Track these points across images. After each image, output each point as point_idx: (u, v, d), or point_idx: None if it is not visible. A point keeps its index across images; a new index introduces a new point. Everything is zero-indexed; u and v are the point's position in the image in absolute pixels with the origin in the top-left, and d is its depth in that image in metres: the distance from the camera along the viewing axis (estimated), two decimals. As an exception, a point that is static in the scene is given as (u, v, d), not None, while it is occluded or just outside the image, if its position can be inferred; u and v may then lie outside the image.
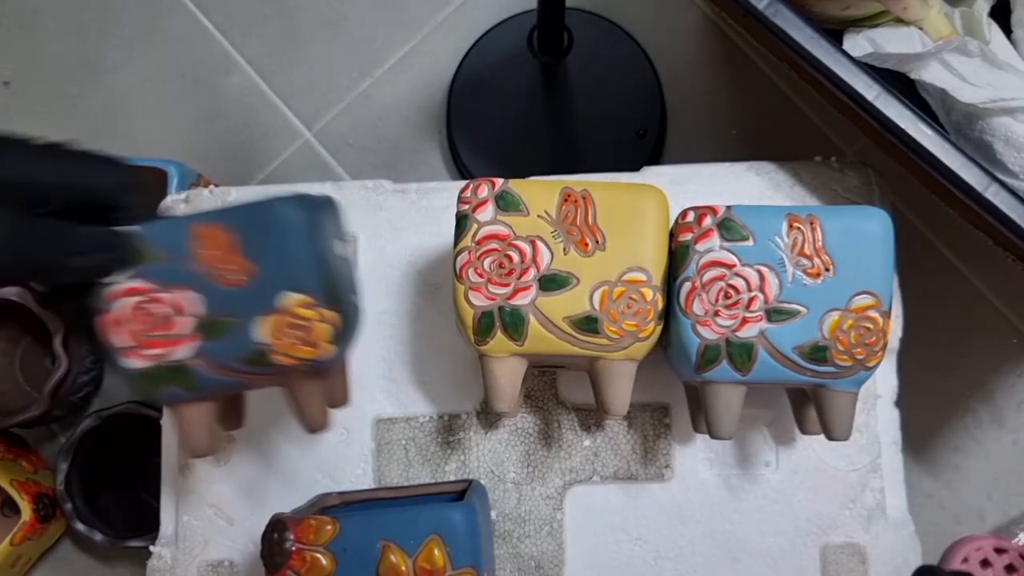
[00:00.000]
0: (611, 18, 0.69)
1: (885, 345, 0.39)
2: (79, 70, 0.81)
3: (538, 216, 0.40)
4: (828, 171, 0.50)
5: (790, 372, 0.39)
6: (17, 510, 0.63)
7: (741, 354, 0.39)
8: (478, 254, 0.39)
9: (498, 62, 0.70)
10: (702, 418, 0.43)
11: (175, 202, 0.52)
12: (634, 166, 0.64)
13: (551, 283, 0.39)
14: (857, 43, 0.51)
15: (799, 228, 0.39)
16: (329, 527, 0.38)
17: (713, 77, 0.69)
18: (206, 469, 0.49)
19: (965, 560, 0.66)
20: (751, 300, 0.39)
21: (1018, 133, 0.47)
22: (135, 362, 0.36)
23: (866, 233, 0.38)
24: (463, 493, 0.43)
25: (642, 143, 0.67)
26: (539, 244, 0.39)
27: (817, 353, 0.38)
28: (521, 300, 0.39)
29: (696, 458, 0.48)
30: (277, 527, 0.38)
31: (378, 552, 0.38)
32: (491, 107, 0.69)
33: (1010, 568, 0.67)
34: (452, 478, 0.48)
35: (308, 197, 0.37)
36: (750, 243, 0.39)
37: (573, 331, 0.39)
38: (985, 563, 0.67)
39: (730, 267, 0.39)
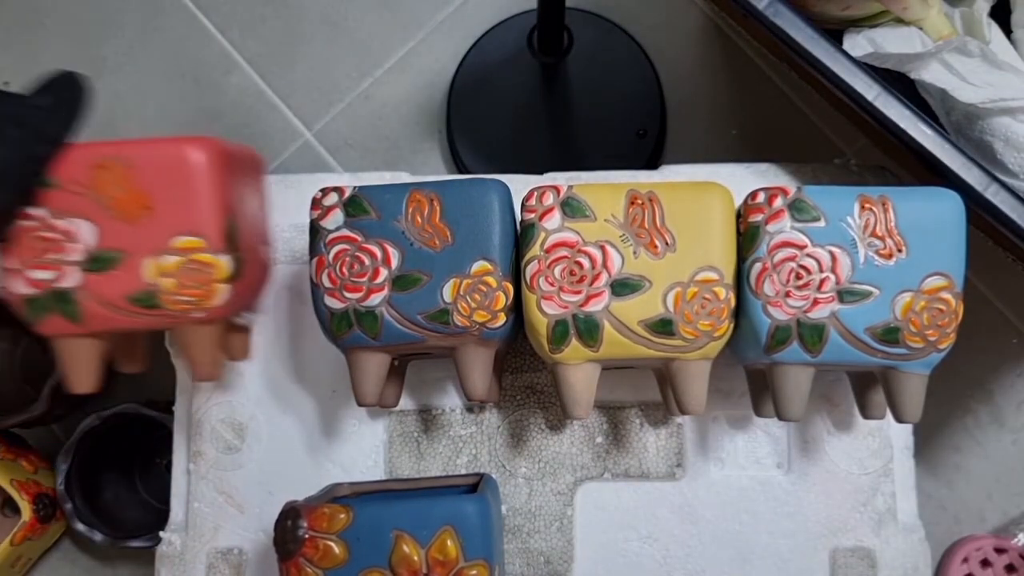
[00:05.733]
0: (611, 18, 0.69)
1: (958, 327, 0.38)
2: (79, 70, 0.80)
3: (605, 220, 0.39)
4: (847, 174, 0.50)
5: (861, 354, 0.39)
6: (17, 510, 0.63)
7: (812, 335, 0.38)
8: (548, 262, 0.39)
9: (498, 62, 0.70)
10: (766, 402, 0.43)
11: None
12: (634, 166, 0.64)
13: (623, 287, 0.39)
14: (857, 43, 0.52)
15: (871, 209, 0.39)
16: (343, 516, 0.38)
17: (713, 77, 0.69)
18: (217, 457, 0.49)
19: (965, 560, 0.66)
20: (822, 281, 0.38)
21: (1018, 133, 0.47)
22: (333, 302, 0.40)
23: (938, 214, 0.38)
24: (474, 487, 0.43)
25: (642, 143, 0.67)
26: (609, 249, 0.39)
27: (889, 334, 0.38)
28: (594, 306, 0.39)
29: (707, 458, 0.48)
30: (291, 514, 0.39)
31: (391, 542, 0.38)
32: (491, 107, 0.69)
33: (1010, 568, 0.67)
34: (463, 471, 0.48)
35: (502, 182, 0.41)
36: (821, 224, 0.39)
37: (648, 334, 0.39)
38: (985, 563, 0.67)
39: (801, 248, 0.38)
